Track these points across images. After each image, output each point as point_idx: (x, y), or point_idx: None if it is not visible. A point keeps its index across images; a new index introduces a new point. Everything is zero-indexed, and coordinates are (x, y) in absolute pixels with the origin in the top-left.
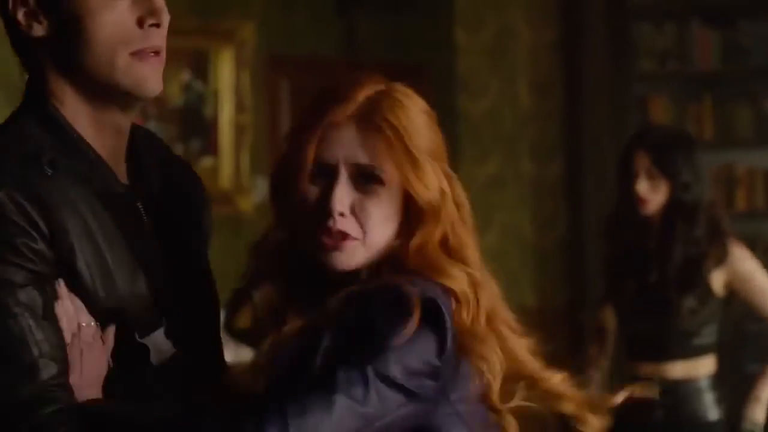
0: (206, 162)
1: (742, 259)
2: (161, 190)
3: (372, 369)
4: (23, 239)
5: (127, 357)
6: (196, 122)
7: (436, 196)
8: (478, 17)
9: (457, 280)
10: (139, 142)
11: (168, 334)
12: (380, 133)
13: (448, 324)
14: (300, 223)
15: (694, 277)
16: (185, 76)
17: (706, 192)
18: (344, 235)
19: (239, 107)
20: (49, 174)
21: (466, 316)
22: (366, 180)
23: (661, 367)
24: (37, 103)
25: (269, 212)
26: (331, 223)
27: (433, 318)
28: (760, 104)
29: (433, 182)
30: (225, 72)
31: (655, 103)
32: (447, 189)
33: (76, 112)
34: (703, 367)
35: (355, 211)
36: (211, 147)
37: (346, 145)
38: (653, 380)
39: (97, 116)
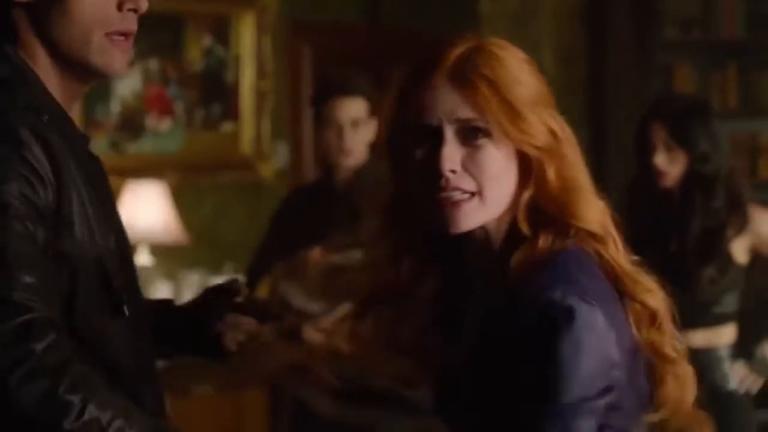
0: (227, 127)
1: (766, 222)
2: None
3: (567, 405)
4: (35, 179)
5: (100, 303)
6: (217, 87)
7: (545, 142)
8: None
9: (591, 220)
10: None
11: (127, 288)
12: (476, 87)
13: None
14: (416, 190)
15: (713, 248)
16: (206, 41)
17: (725, 161)
18: (460, 192)
19: (260, 73)
20: (45, 121)
21: (614, 252)
22: (471, 134)
23: (681, 336)
24: (9, 61)
25: (290, 178)
26: (443, 182)
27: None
28: None
29: (539, 129)
30: (246, 37)
31: (679, 71)
32: (560, 132)
33: (45, 73)
34: (724, 335)
35: (467, 167)
36: (231, 112)
37: (445, 104)
38: None
39: (62, 82)
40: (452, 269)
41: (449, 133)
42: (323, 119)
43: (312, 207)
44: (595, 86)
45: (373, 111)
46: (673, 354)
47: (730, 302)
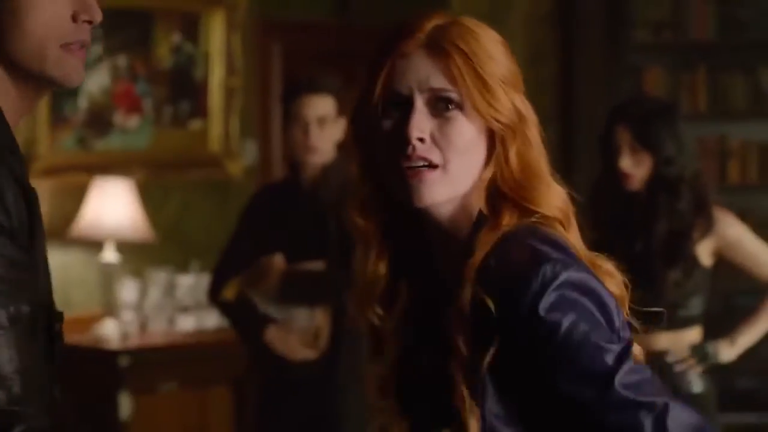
0: (195, 125)
1: (730, 225)
2: None
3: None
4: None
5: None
6: (186, 84)
7: (511, 120)
8: None
9: (552, 205)
10: None
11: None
12: (450, 58)
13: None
14: (382, 161)
15: (678, 250)
16: (175, 37)
17: (691, 163)
18: (426, 162)
19: (230, 70)
20: (19, 157)
21: (575, 238)
22: (442, 105)
23: (646, 339)
24: None
25: (258, 176)
26: (410, 150)
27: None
28: (755, 76)
29: (506, 106)
30: (216, 34)
31: (649, 73)
32: (525, 113)
33: (1, 89)
34: (688, 338)
35: (435, 138)
36: (200, 110)
37: (418, 72)
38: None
39: (17, 94)
40: (418, 257)
41: (419, 101)
42: (291, 117)
43: (278, 207)
44: (565, 88)
45: (342, 110)
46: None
47: (695, 305)
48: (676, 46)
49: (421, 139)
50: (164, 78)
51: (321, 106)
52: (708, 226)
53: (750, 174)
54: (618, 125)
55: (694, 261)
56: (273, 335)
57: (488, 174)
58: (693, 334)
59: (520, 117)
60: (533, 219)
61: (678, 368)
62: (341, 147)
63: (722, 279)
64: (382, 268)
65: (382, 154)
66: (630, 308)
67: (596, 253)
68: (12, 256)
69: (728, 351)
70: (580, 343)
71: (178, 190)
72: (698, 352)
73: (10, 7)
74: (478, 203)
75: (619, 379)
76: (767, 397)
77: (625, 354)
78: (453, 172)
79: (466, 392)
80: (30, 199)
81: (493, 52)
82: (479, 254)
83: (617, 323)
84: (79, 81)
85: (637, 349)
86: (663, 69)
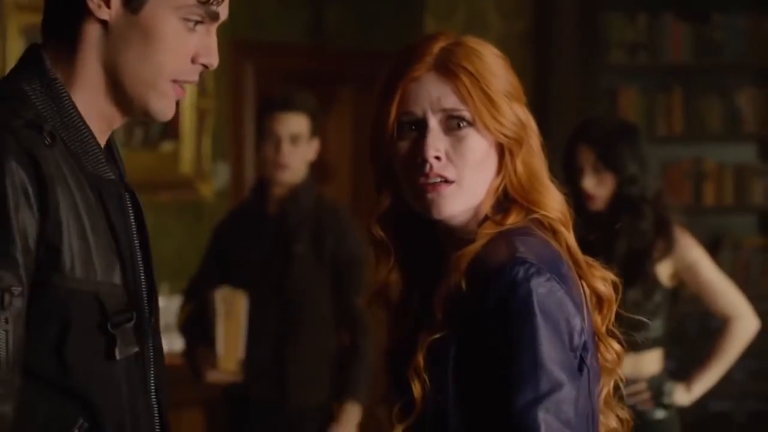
0: (167, 146)
1: (688, 248)
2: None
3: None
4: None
5: (93, 345)
6: None
7: (516, 132)
8: (448, 5)
9: (554, 208)
10: (111, 139)
11: (135, 330)
12: (458, 79)
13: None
14: (400, 178)
15: (638, 270)
16: None
17: (653, 183)
18: (442, 178)
19: (201, 91)
20: (47, 143)
21: (572, 240)
22: (455, 123)
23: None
24: (38, 69)
25: (230, 199)
26: (427, 168)
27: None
28: (731, 99)
29: (511, 120)
30: None
31: (624, 95)
32: (528, 123)
33: (89, 96)
34: (649, 362)
35: (450, 156)
36: (172, 131)
37: (430, 94)
38: None
39: (103, 107)
40: (430, 265)
41: (433, 121)
42: (264, 133)
43: (243, 231)
44: (540, 109)
45: (316, 130)
46: (605, 336)
47: (655, 327)
48: (651, 68)
49: (438, 158)
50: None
51: (295, 124)
52: (668, 247)
53: (725, 196)
54: (581, 145)
55: (654, 281)
56: (200, 358)
57: (497, 183)
58: (653, 357)
59: (523, 127)
60: (535, 216)
61: (629, 401)
62: (313, 168)
63: (698, 301)
64: (395, 276)
65: (400, 172)
66: (616, 313)
67: (589, 258)
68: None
69: (684, 396)
70: (522, 353)
71: (150, 211)
72: (654, 386)
73: (142, 32)
74: (487, 209)
75: (540, 414)
76: (740, 419)
77: (553, 395)
78: (467, 185)
79: (421, 363)
80: (40, 173)
81: (495, 68)
82: (476, 245)
83: (576, 340)
84: (168, 118)
85: (616, 347)
86: (638, 91)
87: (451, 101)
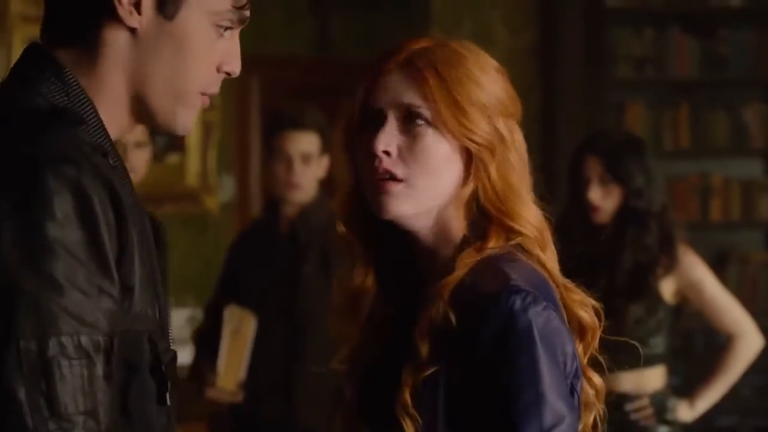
0: (172, 159)
1: (692, 266)
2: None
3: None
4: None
5: (149, 390)
6: None
7: (487, 141)
8: (454, 18)
9: (531, 225)
10: None
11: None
12: (423, 75)
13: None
14: (359, 174)
15: (642, 285)
16: None
17: (659, 197)
18: (390, 174)
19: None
20: (113, 165)
21: (552, 261)
22: (413, 120)
23: (609, 378)
24: (59, 79)
25: (236, 212)
26: (376, 162)
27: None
28: (737, 113)
29: (482, 128)
30: None
31: (631, 109)
32: (509, 138)
33: (110, 110)
34: (652, 379)
35: (403, 154)
36: (177, 144)
37: (393, 89)
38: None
39: (121, 121)
40: (402, 272)
41: (391, 116)
42: (274, 151)
43: (254, 253)
44: (546, 123)
45: (326, 147)
46: (588, 368)
47: (658, 344)
48: (657, 82)
49: (387, 153)
50: None
51: (305, 143)
52: (671, 263)
53: (732, 211)
54: (588, 156)
55: (657, 297)
56: (202, 373)
57: (467, 191)
58: (656, 374)
59: (501, 140)
60: (514, 242)
61: (633, 417)
62: (323, 185)
63: (703, 316)
64: (369, 281)
65: (360, 168)
66: (600, 339)
67: (570, 283)
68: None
69: (687, 412)
70: (525, 386)
71: None
72: (658, 402)
73: (175, 40)
74: (458, 220)
75: None
76: None
77: (556, 429)
78: (418, 187)
79: (409, 401)
80: (118, 200)
81: (479, 76)
82: (458, 274)
83: (569, 367)
84: (191, 132)
85: (597, 381)
86: (645, 105)
87: (411, 97)
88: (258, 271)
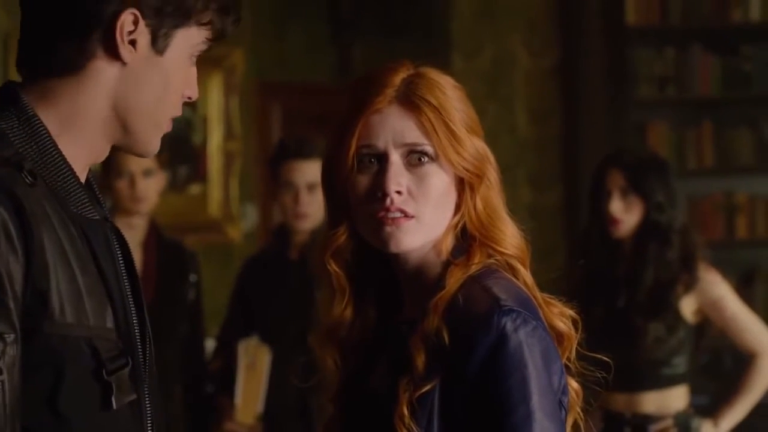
0: (195, 189)
1: (713, 284)
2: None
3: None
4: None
5: (88, 394)
6: (185, 149)
7: (477, 167)
8: (475, 42)
9: (511, 244)
10: (90, 176)
11: (131, 376)
12: (422, 111)
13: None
14: (357, 214)
15: (662, 303)
16: None
17: (679, 216)
18: (402, 213)
19: (228, 134)
20: (28, 183)
21: (529, 276)
22: (417, 158)
23: (633, 399)
24: (15, 107)
25: (258, 240)
26: (388, 202)
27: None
28: (761, 131)
29: (471, 151)
30: (214, 98)
31: (654, 129)
32: (485, 154)
33: (86, 132)
34: (675, 399)
35: (411, 191)
36: (199, 174)
37: (393, 127)
38: (624, 414)
39: (96, 144)
40: (387, 300)
41: (395, 155)
42: (280, 182)
43: (266, 279)
44: (568, 144)
45: None
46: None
47: (679, 364)
48: (680, 101)
49: (399, 192)
50: (162, 143)
51: (311, 172)
52: (692, 282)
53: (758, 229)
54: (611, 169)
55: (677, 316)
56: (220, 407)
57: (458, 219)
58: (679, 394)
59: (483, 160)
60: (495, 260)
61: None
62: None
63: (706, 335)
64: (349, 312)
65: (358, 205)
66: (577, 351)
67: (547, 295)
68: None
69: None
70: (515, 406)
71: None
72: (681, 422)
73: (162, 72)
74: (446, 244)
75: None
76: None
77: None
78: (427, 221)
79: (407, 413)
80: (23, 214)
81: (455, 101)
82: (450, 290)
83: (556, 383)
84: (155, 153)
85: (575, 386)
86: (667, 124)
87: (414, 135)
88: (271, 298)
